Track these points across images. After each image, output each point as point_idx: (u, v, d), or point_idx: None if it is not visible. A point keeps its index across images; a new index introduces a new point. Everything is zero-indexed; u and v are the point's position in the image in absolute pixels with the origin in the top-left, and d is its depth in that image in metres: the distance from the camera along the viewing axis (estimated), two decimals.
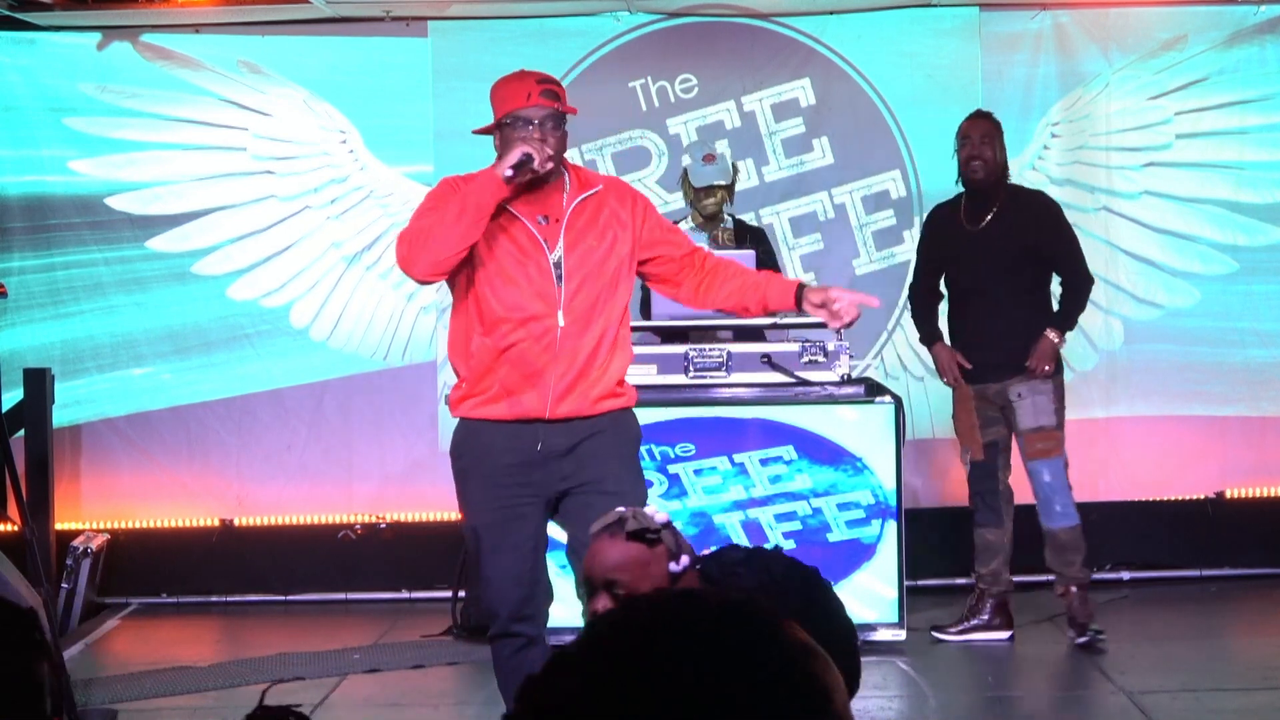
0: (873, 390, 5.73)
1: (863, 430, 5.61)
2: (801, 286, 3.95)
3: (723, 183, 6.03)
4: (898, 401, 5.68)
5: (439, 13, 6.65)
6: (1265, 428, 6.75)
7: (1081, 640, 5.57)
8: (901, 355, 6.74)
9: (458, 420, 4.02)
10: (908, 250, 6.74)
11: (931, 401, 6.71)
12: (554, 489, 3.93)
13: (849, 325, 3.93)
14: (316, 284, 6.77)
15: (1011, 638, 5.69)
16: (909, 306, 6.05)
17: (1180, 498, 6.74)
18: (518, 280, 3.86)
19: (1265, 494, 6.74)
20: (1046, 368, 5.58)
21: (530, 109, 3.86)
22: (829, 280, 6.74)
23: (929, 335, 5.88)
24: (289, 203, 6.76)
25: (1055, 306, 5.72)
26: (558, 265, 3.88)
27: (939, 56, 6.72)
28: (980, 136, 5.65)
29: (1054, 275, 5.76)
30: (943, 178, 6.68)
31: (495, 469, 3.93)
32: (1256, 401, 6.74)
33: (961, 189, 5.77)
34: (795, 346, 5.72)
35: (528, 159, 3.76)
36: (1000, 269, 5.61)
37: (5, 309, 6.63)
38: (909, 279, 6.77)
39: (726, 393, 5.63)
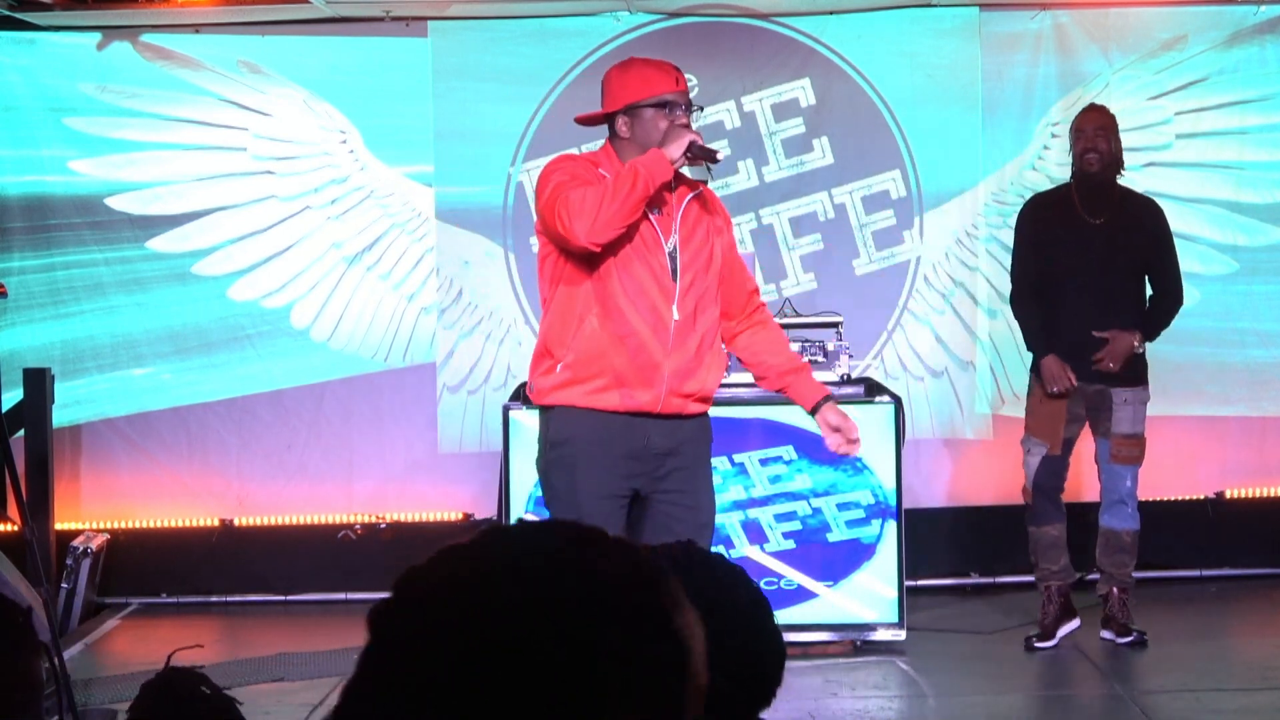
0: (873, 390, 5.73)
1: (863, 430, 5.57)
2: (827, 398, 4.03)
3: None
4: (898, 401, 5.68)
5: (439, 13, 6.65)
6: (1265, 428, 6.75)
7: (1125, 640, 5.56)
8: (901, 355, 6.74)
9: (549, 409, 3.94)
10: (908, 250, 6.74)
11: (931, 401, 6.71)
12: (648, 485, 3.93)
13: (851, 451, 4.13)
14: (317, 284, 6.77)
15: (1080, 625, 5.64)
16: (1012, 307, 5.81)
17: (1180, 498, 6.74)
18: (638, 269, 3.85)
19: (1265, 494, 6.74)
20: (1111, 365, 5.49)
21: (679, 94, 3.90)
22: (830, 281, 6.75)
23: (1038, 344, 5.63)
24: (289, 203, 6.76)
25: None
26: (672, 257, 3.88)
27: (939, 56, 6.71)
28: (1095, 129, 5.59)
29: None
30: (943, 178, 6.70)
31: (610, 459, 3.86)
32: (1256, 401, 6.74)
33: (1068, 182, 5.71)
34: (795, 347, 5.72)
35: (696, 147, 3.80)
36: (1116, 266, 5.54)
37: (5, 309, 6.63)
38: (909, 279, 6.77)
39: (726, 393, 5.61)
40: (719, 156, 3.89)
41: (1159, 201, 5.89)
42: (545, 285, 3.97)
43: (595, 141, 6.66)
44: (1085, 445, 5.75)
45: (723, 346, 4.11)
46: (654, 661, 1.06)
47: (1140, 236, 5.62)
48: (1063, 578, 5.67)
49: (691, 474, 3.94)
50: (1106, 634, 5.63)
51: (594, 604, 1.06)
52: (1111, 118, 5.67)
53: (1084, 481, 6.18)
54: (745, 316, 4.10)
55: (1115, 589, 5.64)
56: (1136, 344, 5.55)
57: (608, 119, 3.98)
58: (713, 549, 3.97)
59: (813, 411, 4.03)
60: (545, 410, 3.96)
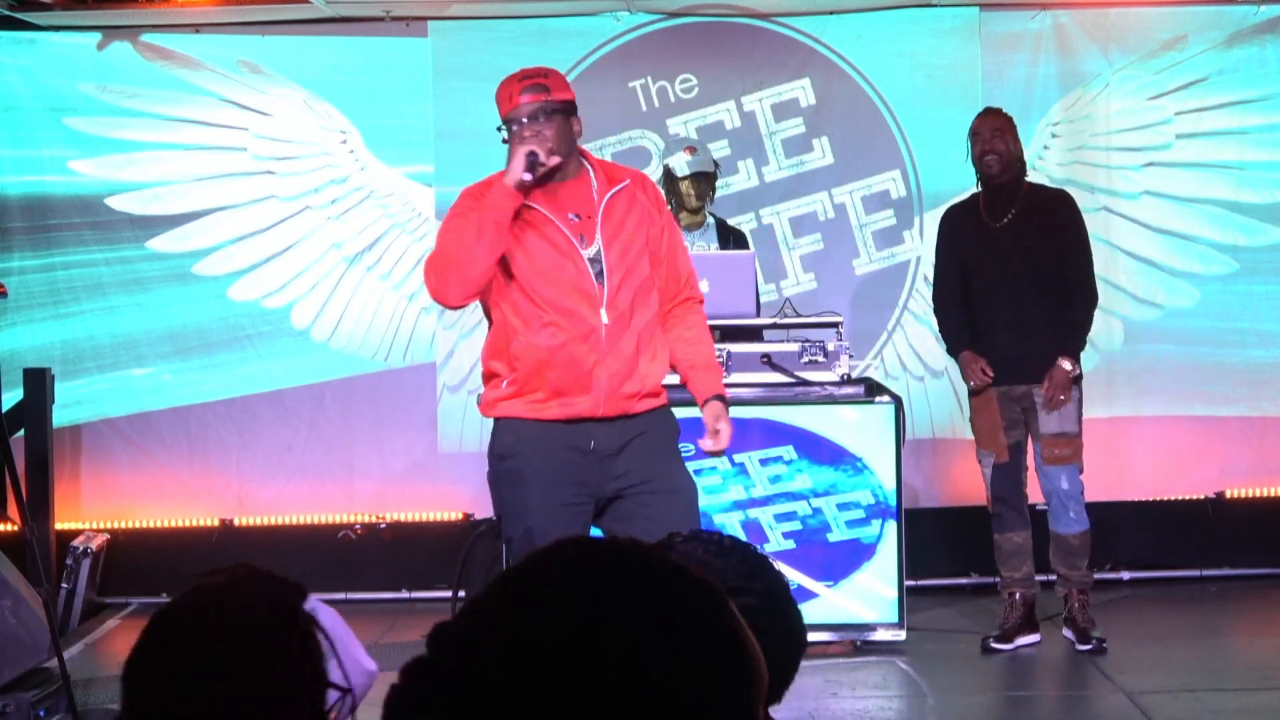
0: (873, 390, 5.72)
1: (863, 430, 5.61)
2: (718, 397, 4.00)
3: (707, 171, 6.04)
4: (898, 401, 5.68)
5: (439, 13, 6.65)
6: (1265, 428, 6.75)
7: (1084, 648, 5.52)
8: (901, 355, 6.74)
9: (495, 421, 3.95)
10: (907, 250, 6.74)
11: (931, 401, 6.71)
12: (606, 489, 3.89)
13: (711, 454, 4.09)
14: (317, 284, 6.77)
15: (1040, 640, 5.62)
16: (935, 315, 5.82)
17: (1180, 498, 6.74)
18: (557, 280, 3.81)
19: (1265, 494, 6.74)
20: (1062, 396, 5.46)
21: (516, 109, 3.84)
22: (830, 281, 6.76)
23: (956, 343, 5.70)
24: (289, 203, 6.77)
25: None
26: (595, 261, 3.83)
27: (939, 56, 6.71)
28: (991, 132, 5.56)
29: None
30: (943, 178, 6.69)
31: (553, 468, 3.84)
32: (1256, 401, 6.74)
33: (978, 189, 5.66)
34: (795, 346, 5.72)
35: (533, 157, 3.74)
36: (1024, 267, 5.51)
37: (5, 309, 6.63)
38: (909, 279, 6.77)
39: (726, 393, 5.62)
40: (547, 162, 3.76)
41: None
42: (484, 303, 3.98)
43: (595, 141, 6.68)
44: None
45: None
46: (728, 679, 1.05)
47: (1049, 231, 5.54)
48: (1024, 586, 5.63)
49: (657, 460, 3.91)
50: (1067, 633, 5.61)
51: (667, 631, 1.04)
52: (1007, 119, 5.60)
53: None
54: (674, 306, 4.02)
55: (1074, 590, 5.60)
56: (1069, 367, 5.48)
57: None
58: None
59: (702, 405, 3.99)
60: (494, 423, 3.99)
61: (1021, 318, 5.52)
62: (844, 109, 6.75)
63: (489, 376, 4.00)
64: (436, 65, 6.72)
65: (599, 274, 3.83)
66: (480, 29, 6.70)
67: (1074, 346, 5.54)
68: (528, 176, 3.75)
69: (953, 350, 5.74)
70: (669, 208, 4.33)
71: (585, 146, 3.98)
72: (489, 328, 4.00)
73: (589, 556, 1.09)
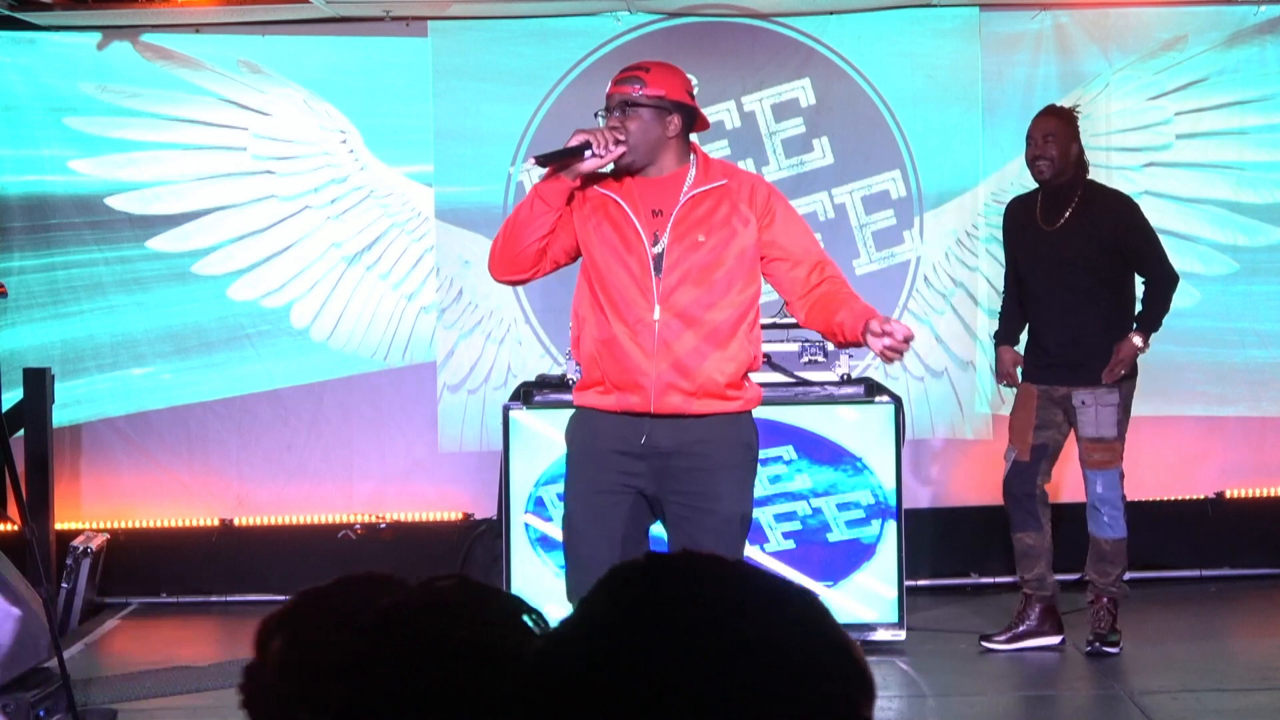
0: (873, 390, 5.73)
1: (863, 430, 5.61)
2: (869, 320, 3.70)
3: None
4: (898, 401, 5.68)
5: (439, 13, 6.65)
6: (1265, 428, 6.75)
7: (1088, 649, 5.54)
8: None
9: (574, 409, 4.05)
10: (908, 250, 6.74)
11: (931, 401, 6.71)
12: (655, 486, 3.89)
13: (892, 349, 3.66)
14: (317, 284, 6.77)
15: (1063, 642, 5.61)
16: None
17: (1180, 498, 6.74)
18: (618, 273, 3.84)
19: (1265, 494, 6.74)
20: (1121, 371, 5.42)
21: (607, 99, 3.91)
22: None
23: (1000, 335, 5.80)
24: (289, 203, 6.76)
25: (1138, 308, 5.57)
26: (659, 259, 3.83)
27: (939, 56, 6.71)
28: (1043, 136, 5.48)
29: (1136, 277, 5.60)
30: (943, 178, 6.70)
31: (598, 453, 3.91)
32: (1256, 401, 6.75)
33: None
34: (795, 346, 5.72)
35: (583, 145, 3.77)
36: (1075, 270, 5.47)
37: (5, 309, 6.63)
38: (909, 279, 6.77)
39: None
40: (600, 153, 3.78)
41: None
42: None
43: None
44: (1072, 447, 5.73)
45: (759, 334, 4.02)
46: (838, 686, 1.06)
47: (1108, 234, 5.47)
48: (1035, 588, 5.62)
49: (708, 475, 3.87)
50: (1089, 637, 5.60)
51: (775, 644, 1.06)
52: (1062, 121, 5.51)
53: (1065, 482, 6.26)
54: (804, 290, 3.91)
55: (1101, 597, 5.60)
56: (1139, 343, 5.44)
57: None
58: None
59: (862, 333, 3.73)
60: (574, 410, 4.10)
61: (1069, 322, 5.49)
62: (844, 109, 6.75)
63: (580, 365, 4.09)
64: (436, 65, 6.72)
65: (658, 270, 3.84)
66: (480, 29, 6.70)
67: (1148, 325, 5.48)
68: (585, 164, 3.78)
69: (996, 338, 5.84)
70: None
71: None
72: (573, 310, 4.07)
73: (689, 571, 1.10)
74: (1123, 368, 5.43)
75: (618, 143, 3.78)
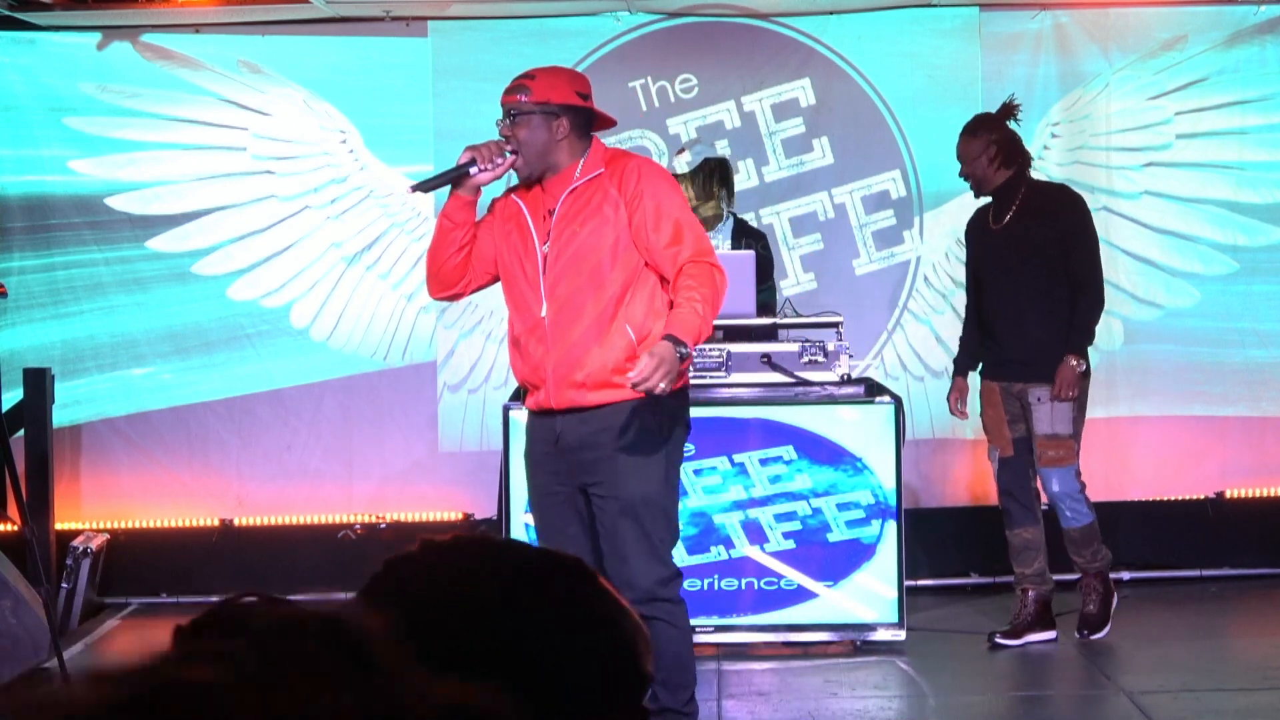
0: (873, 390, 5.72)
1: (863, 430, 5.61)
2: (666, 337, 3.73)
3: (698, 171, 6.04)
4: (898, 401, 5.68)
5: (439, 13, 6.65)
6: (1265, 428, 6.74)
7: (1081, 635, 5.63)
8: (901, 355, 6.74)
9: None
10: (907, 250, 6.74)
11: (931, 401, 6.71)
12: (576, 481, 4.05)
13: (635, 385, 3.68)
14: (316, 284, 6.77)
15: (1057, 638, 5.66)
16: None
17: (1180, 498, 6.74)
18: (516, 275, 4.00)
19: (1265, 494, 6.74)
20: (1072, 393, 5.49)
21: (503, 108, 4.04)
22: (830, 281, 6.75)
23: (957, 363, 5.90)
24: (289, 203, 6.76)
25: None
26: (546, 257, 3.97)
27: (939, 56, 6.71)
28: (959, 158, 5.66)
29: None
30: (943, 178, 6.69)
31: (534, 456, 4.12)
32: (1256, 401, 6.74)
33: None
34: (795, 346, 5.72)
35: (469, 163, 3.94)
36: (1023, 266, 5.55)
37: (5, 309, 6.63)
38: (909, 279, 6.78)
39: (726, 393, 5.63)
40: (482, 168, 3.94)
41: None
42: None
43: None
44: None
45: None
46: (612, 670, 1.07)
47: (1050, 226, 5.55)
48: (1035, 582, 5.66)
49: (606, 462, 3.96)
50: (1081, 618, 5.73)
51: (545, 621, 1.07)
52: (978, 138, 5.59)
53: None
54: (675, 278, 3.91)
55: (1090, 576, 5.72)
56: (1075, 364, 5.50)
57: None
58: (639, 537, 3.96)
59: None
60: None
61: (1020, 319, 5.57)
62: (844, 109, 6.75)
63: None
64: (436, 65, 6.72)
65: (543, 269, 3.96)
66: (480, 29, 6.70)
67: (1077, 344, 5.54)
68: (475, 179, 3.96)
69: (954, 371, 5.93)
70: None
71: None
72: None
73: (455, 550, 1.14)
74: (1070, 389, 5.50)
75: (504, 153, 3.94)
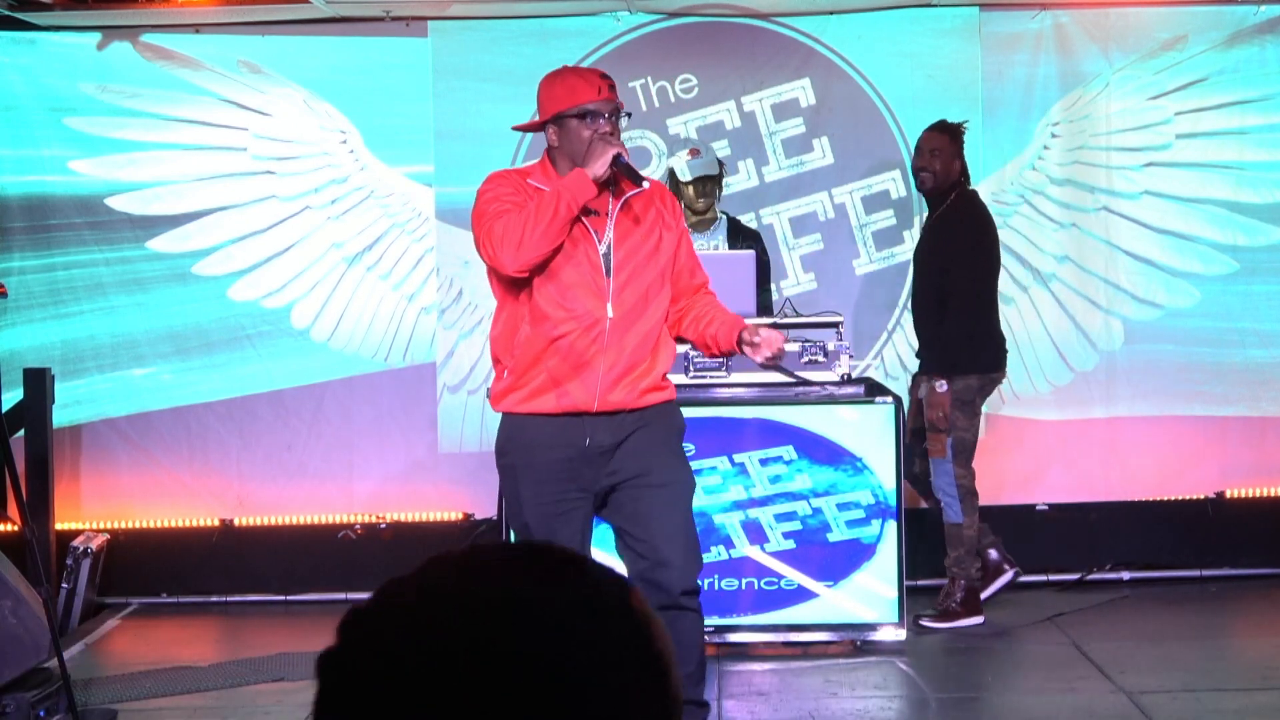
0: (873, 390, 5.73)
1: (863, 430, 5.61)
2: (743, 329, 3.94)
3: (710, 174, 6.06)
4: (898, 401, 5.68)
5: (439, 13, 6.65)
6: (1265, 428, 6.75)
7: (920, 621, 5.87)
8: (901, 355, 6.74)
9: (502, 416, 4.06)
10: (907, 250, 6.74)
11: None
12: (602, 484, 3.97)
13: (773, 359, 3.91)
14: (317, 284, 6.77)
15: (983, 622, 5.87)
16: None
17: (1180, 498, 6.74)
18: (568, 273, 3.91)
19: (1265, 494, 6.74)
20: (942, 414, 5.83)
21: (602, 103, 3.94)
22: (830, 281, 6.75)
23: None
24: (289, 203, 6.76)
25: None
26: (606, 258, 3.93)
27: (939, 56, 6.71)
28: (930, 150, 5.90)
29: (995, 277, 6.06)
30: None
31: (544, 464, 3.95)
32: (1256, 401, 6.74)
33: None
34: (795, 346, 5.72)
35: (619, 158, 3.87)
36: (927, 267, 5.95)
37: (5, 309, 6.63)
38: (909, 278, 6.79)
39: (726, 393, 5.63)
40: (644, 182, 3.94)
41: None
42: (494, 294, 4.10)
43: None
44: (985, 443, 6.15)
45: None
46: (639, 686, 1.05)
47: (940, 244, 5.91)
48: (964, 569, 5.99)
49: (654, 453, 3.95)
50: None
51: (573, 633, 1.04)
52: (949, 137, 5.90)
53: (1059, 482, 6.63)
54: (688, 299, 4.10)
55: (952, 577, 5.96)
56: (937, 386, 5.84)
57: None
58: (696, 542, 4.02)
59: (736, 340, 3.95)
60: (501, 417, 4.09)
61: (921, 317, 5.99)
62: (844, 109, 6.75)
63: (495, 363, 4.10)
64: (436, 65, 6.72)
65: (608, 270, 3.92)
66: (480, 29, 6.70)
67: (944, 361, 5.84)
68: (604, 173, 3.88)
69: None
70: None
71: None
72: (496, 315, 4.07)
73: (488, 557, 1.10)
74: (939, 411, 5.83)
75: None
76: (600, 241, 3.94)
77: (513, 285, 3.97)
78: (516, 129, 4.37)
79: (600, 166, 3.86)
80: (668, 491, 3.97)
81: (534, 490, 3.96)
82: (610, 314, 3.90)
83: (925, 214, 6.14)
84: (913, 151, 6.05)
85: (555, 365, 3.91)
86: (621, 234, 3.95)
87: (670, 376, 4.10)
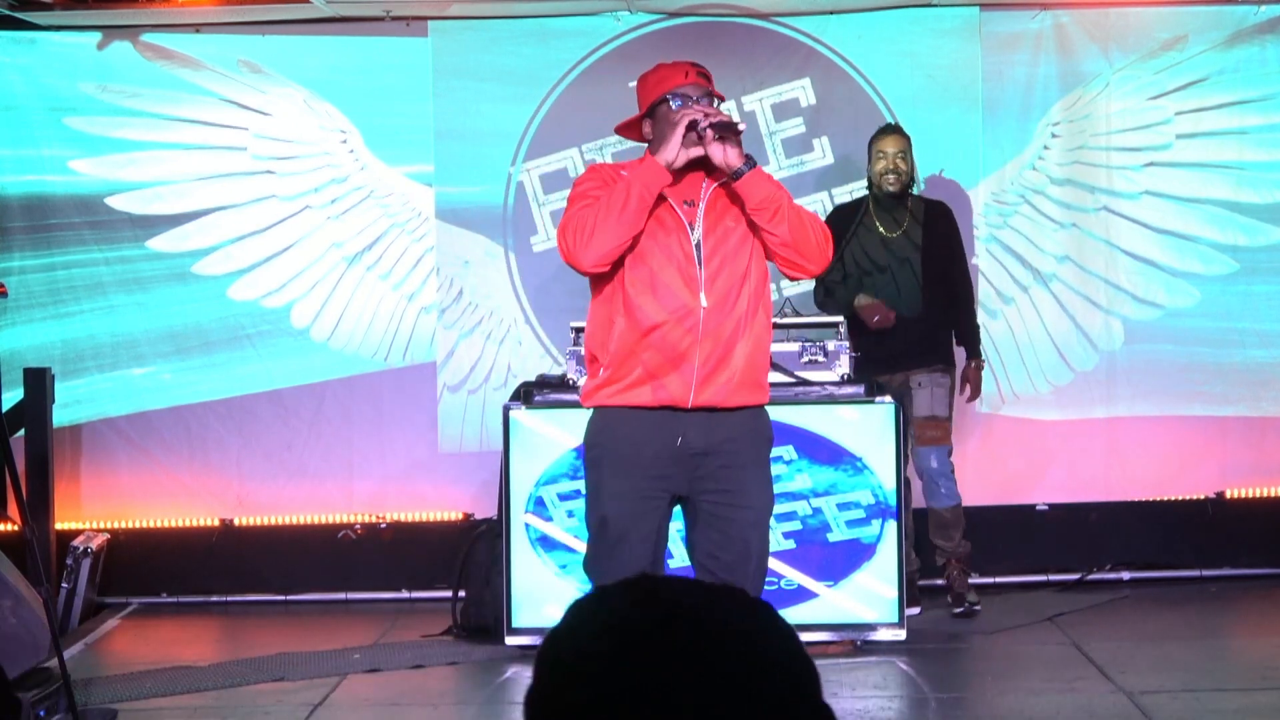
0: (873, 390, 5.72)
1: (863, 430, 5.61)
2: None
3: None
4: (898, 401, 5.68)
5: (439, 13, 6.65)
6: (1265, 428, 6.75)
7: (958, 611, 6.05)
8: None
9: (593, 411, 3.98)
10: None
11: None
12: (686, 487, 3.91)
13: (721, 126, 3.78)
14: (317, 284, 6.77)
15: (921, 612, 6.00)
16: (829, 295, 6.19)
17: (1180, 498, 6.74)
18: (662, 263, 3.85)
19: (1265, 494, 6.74)
20: (978, 396, 6.15)
21: (690, 86, 3.89)
22: None
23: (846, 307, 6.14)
24: (289, 203, 6.77)
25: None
26: (698, 247, 3.86)
27: (939, 56, 6.71)
28: (897, 152, 6.03)
29: (966, 269, 6.25)
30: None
31: (633, 458, 3.88)
32: (1256, 401, 6.74)
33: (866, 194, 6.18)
34: (795, 346, 5.72)
35: (694, 124, 3.76)
36: (917, 275, 6.04)
37: (5, 309, 6.63)
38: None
39: None
40: (739, 125, 3.81)
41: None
42: (590, 289, 4.03)
43: (595, 141, 6.68)
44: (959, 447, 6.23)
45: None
46: (804, 695, 1.11)
47: (937, 239, 6.07)
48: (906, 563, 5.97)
49: (739, 472, 3.89)
50: (950, 600, 6.12)
51: (759, 655, 1.13)
52: (908, 141, 6.09)
53: (1055, 483, 6.68)
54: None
55: (952, 560, 6.13)
56: (977, 366, 6.16)
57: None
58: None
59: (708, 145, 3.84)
60: (593, 413, 4.01)
61: (909, 320, 6.00)
62: (844, 109, 6.75)
63: (589, 361, 4.02)
64: (436, 65, 6.72)
65: (699, 259, 3.86)
66: (480, 29, 6.70)
67: (970, 345, 6.16)
68: (693, 153, 3.78)
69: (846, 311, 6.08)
70: None
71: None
72: (590, 313, 4.00)
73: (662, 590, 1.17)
74: (978, 389, 6.18)
75: (711, 124, 3.81)
76: (693, 230, 3.87)
77: (604, 280, 3.90)
78: (618, 130, 4.19)
79: (670, 150, 3.78)
80: (751, 514, 3.92)
81: (618, 483, 3.88)
82: (705, 303, 3.83)
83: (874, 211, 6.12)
84: (870, 158, 6.07)
85: (650, 358, 3.84)
86: (712, 222, 3.88)
87: None
